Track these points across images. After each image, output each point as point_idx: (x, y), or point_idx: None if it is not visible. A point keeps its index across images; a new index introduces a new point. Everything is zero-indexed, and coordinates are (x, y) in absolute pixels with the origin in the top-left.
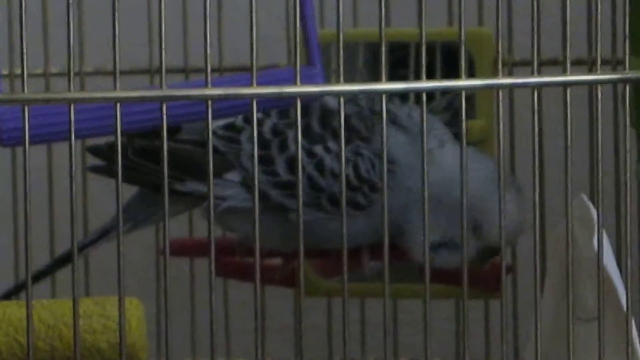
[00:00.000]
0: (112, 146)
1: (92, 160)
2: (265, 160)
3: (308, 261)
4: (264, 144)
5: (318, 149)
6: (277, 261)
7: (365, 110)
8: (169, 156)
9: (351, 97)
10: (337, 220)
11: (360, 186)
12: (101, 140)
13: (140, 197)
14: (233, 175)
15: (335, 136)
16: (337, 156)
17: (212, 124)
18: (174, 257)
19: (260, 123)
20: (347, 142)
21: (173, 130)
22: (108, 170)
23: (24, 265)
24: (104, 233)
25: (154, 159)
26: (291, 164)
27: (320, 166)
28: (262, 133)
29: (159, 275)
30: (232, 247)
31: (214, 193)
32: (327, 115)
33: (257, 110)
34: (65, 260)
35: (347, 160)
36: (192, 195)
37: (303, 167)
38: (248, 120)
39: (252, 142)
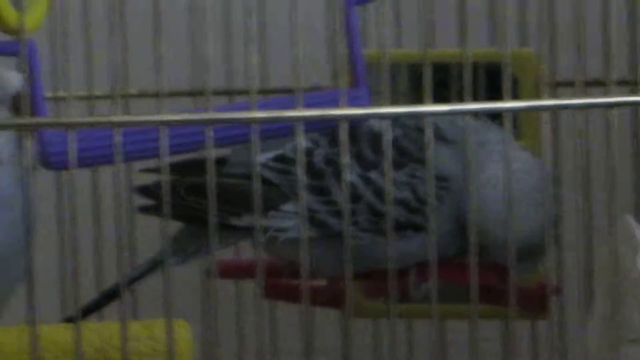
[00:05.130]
0: (159, 185)
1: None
2: (321, 190)
3: (355, 282)
4: (317, 174)
5: (373, 175)
6: (322, 282)
7: (412, 130)
8: (222, 191)
9: (396, 119)
10: (397, 243)
11: (419, 208)
12: (147, 179)
13: (189, 230)
14: (290, 207)
15: (402, 163)
16: (395, 181)
17: (260, 156)
18: (221, 279)
19: (311, 154)
20: (401, 165)
21: (219, 163)
22: (158, 210)
23: (70, 289)
24: (154, 265)
25: (205, 195)
26: (354, 192)
27: (378, 192)
28: (315, 163)
29: (207, 297)
30: (278, 269)
31: (272, 225)
32: (377, 141)
33: (302, 133)
34: (113, 294)
35: (403, 183)
36: (250, 229)
37: (361, 194)
38: (300, 150)
39: (306, 173)
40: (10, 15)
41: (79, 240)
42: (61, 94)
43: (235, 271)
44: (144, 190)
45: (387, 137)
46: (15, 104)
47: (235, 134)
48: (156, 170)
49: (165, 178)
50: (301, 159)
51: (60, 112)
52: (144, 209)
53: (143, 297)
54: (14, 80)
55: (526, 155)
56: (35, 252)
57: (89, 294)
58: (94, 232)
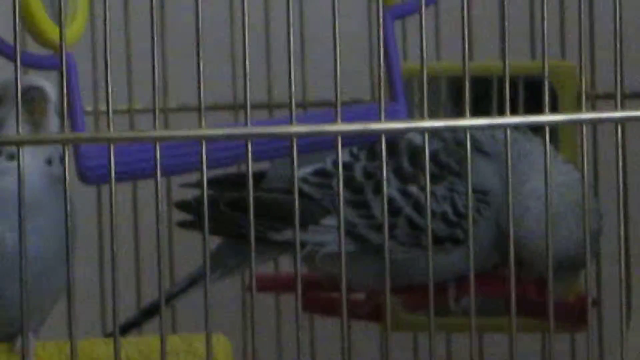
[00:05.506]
0: (200, 201)
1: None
2: (361, 204)
3: (394, 295)
4: (357, 189)
5: (413, 189)
6: (361, 296)
7: (451, 143)
8: (262, 206)
9: (436, 132)
10: (436, 257)
11: (458, 222)
12: (187, 194)
13: (228, 245)
14: (330, 221)
15: (440, 176)
16: (434, 194)
17: (299, 170)
18: (261, 293)
19: (350, 167)
20: (441, 179)
21: (257, 177)
22: (197, 225)
23: (109, 304)
24: (193, 281)
25: (245, 210)
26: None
27: (417, 206)
28: (354, 177)
29: (246, 311)
30: (318, 283)
31: (312, 239)
32: (416, 154)
33: (341, 147)
34: (153, 310)
35: (443, 197)
36: (290, 243)
37: (400, 208)
38: (340, 164)
39: (346, 187)
40: (50, 29)
41: (119, 255)
42: (101, 107)
43: (275, 285)
44: (184, 206)
45: (427, 150)
46: (30, 109)
47: (274, 148)
48: (196, 185)
49: (205, 193)
50: (340, 173)
51: (100, 126)
52: (184, 224)
53: (182, 311)
54: (49, 90)
55: (569, 167)
56: (75, 266)
57: (129, 310)
58: (133, 247)
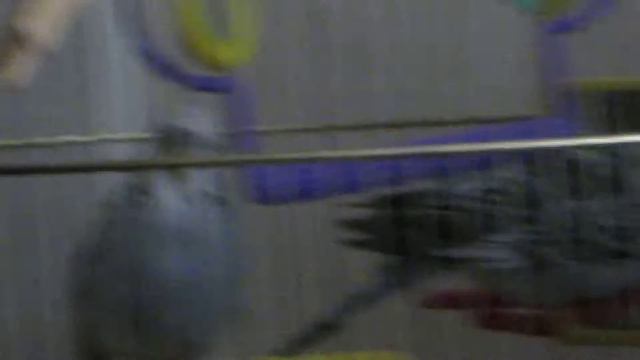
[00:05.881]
0: (367, 219)
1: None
2: (531, 220)
3: (564, 310)
4: (523, 204)
5: (579, 203)
6: (532, 311)
7: (620, 158)
8: (427, 223)
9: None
10: (609, 271)
11: (626, 235)
12: (356, 214)
13: (395, 262)
14: (496, 237)
15: (599, 190)
16: (606, 209)
17: (462, 187)
18: (435, 309)
19: (515, 184)
20: (606, 193)
21: (422, 195)
22: (365, 243)
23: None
24: (361, 300)
25: (413, 227)
26: (555, 220)
27: (584, 220)
28: (520, 193)
29: (423, 327)
30: (488, 298)
31: (482, 255)
32: (581, 169)
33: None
34: (326, 328)
35: (609, 211)
36: (457, 260)
37: (576, 224)
38: (504, 181)
39: (515, 204)
40: (219, 51)
41: (300, 274)
42: (273, 127)
43: (454, 301)
44: (352, 224)
45: (595, 165)
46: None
47: (437, 166)
48: (363, 204)
49: (372, 212)
50: (507, 189)
51: (267, 146)
52: (353, 244)
53: (363, 327)
54: (207, 123)
55: None
56: (249, 286)
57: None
58: (311, 265)
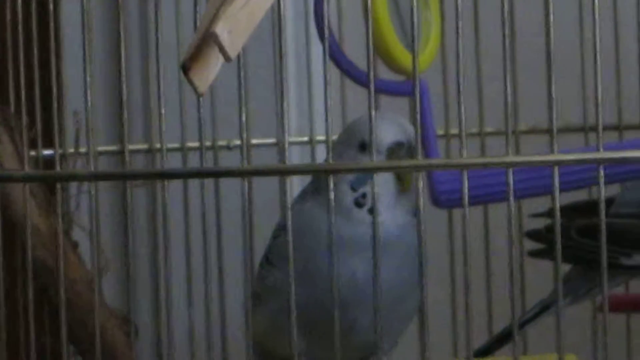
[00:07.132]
0: (551, 229)
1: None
2: None
3: None
4: None
5: None
6: None
7: None
8: (612, 231)
9: None
10: None
11: None
12: (537, 223)
13: (579, 271)
14: None
15: None
16: None
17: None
18: (612, 313)
19: None
20: None
21: (607, 203)
22: (548, 254)
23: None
24: (544, 308)
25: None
26: None
27: None
28: None
29: (597, 330)
30: None
31: None
32: None
33: None
34: (505, 337)
35: None
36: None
37: None
38: None
39: None
40: (403, 55)
41: (471, 279)
42: (452, 131)
43: (626, 305)
44: (535, 235)
45: None
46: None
47: (626, 171)
48: (546, 214)
49: (557, 221)
50: None
51: (451, 149)
52: (535, 254)
53: (532, 333)
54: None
55: None
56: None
57: (480, 333)
58: (485, 272)
